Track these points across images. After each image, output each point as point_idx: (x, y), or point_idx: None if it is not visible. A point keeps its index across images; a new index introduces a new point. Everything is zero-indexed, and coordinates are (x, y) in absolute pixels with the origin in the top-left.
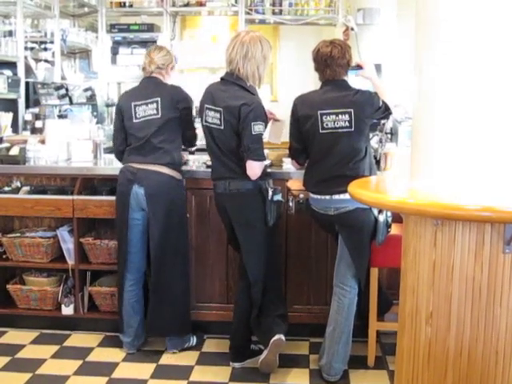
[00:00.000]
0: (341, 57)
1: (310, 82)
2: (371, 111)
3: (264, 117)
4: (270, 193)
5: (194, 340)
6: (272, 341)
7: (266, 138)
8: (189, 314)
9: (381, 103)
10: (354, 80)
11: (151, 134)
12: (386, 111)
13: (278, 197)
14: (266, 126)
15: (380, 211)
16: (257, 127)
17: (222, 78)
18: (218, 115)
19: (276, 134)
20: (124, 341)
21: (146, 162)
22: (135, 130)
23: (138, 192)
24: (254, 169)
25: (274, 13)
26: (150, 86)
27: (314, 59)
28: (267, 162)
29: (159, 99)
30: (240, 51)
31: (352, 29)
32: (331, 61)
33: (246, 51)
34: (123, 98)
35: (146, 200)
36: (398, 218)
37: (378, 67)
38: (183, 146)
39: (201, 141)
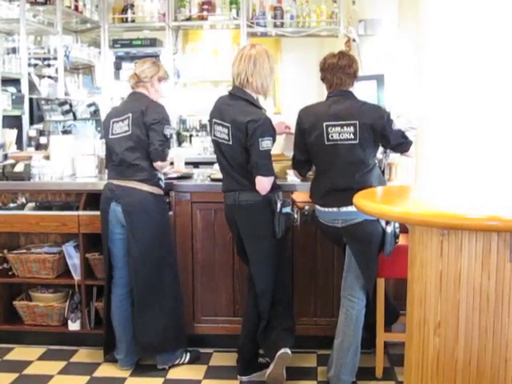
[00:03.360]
0: (348, 66)
1: (313, 93)
2: (381, 124)
3: (272, 131)
4: (279, 205)
5: (186, 357)
6: (278, 355)
7: (281, 150)
8: (181, 328)
9: (395, 126)
10: (359, 91)
11: (124, 151)
12: (403, 139)
13: (287, 209)
14: (274, 140)
15: (388, 222)
16: (264, 143)
17: (229, 93)
18: (226, 130)
19: (290, 147)
20: (118, 357)
21: (123, 178)
22: (112, 146)
23: (115, 209)
24: (263, 184)
25: (275, 25)
26: (131, 101)
27: (321, 69)
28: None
29: (130, 115)
30: (248, 63)
31: (354, 40)
32: (338, 69)
33: (253, 62)
34: (107, 115)
35: (123, 217)
36: (405, 229)
37: (380, 78)
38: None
39: (205, 154)
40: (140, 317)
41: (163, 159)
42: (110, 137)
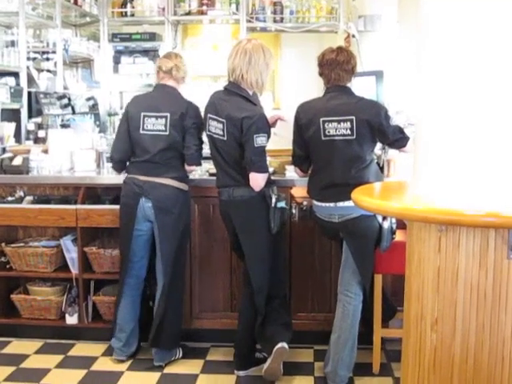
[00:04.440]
0: (346, 62)
1: (312, 89)
2: (378, 120)
3: (267, 128)
4: (274, 200)
5: (180, 352)
6: (275, 349)
7: (274, 132)
8: (181, 325)
9: (393, 121)
10: (358, 87)
11: (159, 151)
12: (401, 134)
13: (282, 204)
14: (269, 137)
15: (384, 218)
16: (259, 139)
17: (225, 88)
18: (220, 126)
19: (282, 129)
20: (114, 346)
21: (152, 175)
22: (142, 142)
23: (145, 205)
24: (257, 180)
25: (275, 21)
26: (163, 96)
27: (319, 64)
28: (270, 170)
29: (168, 115)
30: (243, 58)
31: (353, 36)
32: (336, 65)
33: (249, 58)
34: (132, 105)
35: (153, 213)
36: (402, 225)
37: (379, 73)
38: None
39: (203, 149)
40: (161, 312)
41: (199, 164)
42: (141, 132)
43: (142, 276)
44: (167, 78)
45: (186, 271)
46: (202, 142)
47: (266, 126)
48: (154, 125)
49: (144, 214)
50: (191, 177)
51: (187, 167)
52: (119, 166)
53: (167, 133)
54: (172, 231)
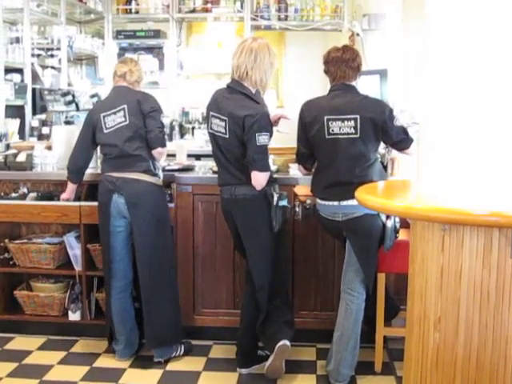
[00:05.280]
0: (352, 59)
1: (316, 87)
2: (382, 119)
3: (269, 127)
4: (276, 198)
5: (181, 349)
6: (277, 347)
7: (277, 129)
8: (179, 322)
9: (397, 121)
10: (363, 86)
11: (125, 141)
12: (404, 135)
13: (284, 202)
14: (271, 136)
15: (388, 217)
16: (261, 138)
17: (228, 86)
18: (223, 124)
19: (285, 125)
20: (116, 349)
21: (123, 170)
22: (108, 140)
23: (118, 201)
24: (258, 179)
25: (279, 19)
26: (118, 94)
27: (324, 61)
28: (273, 169)
29: (125, 106)
30: (249, 56)
31: (358, 34)
32: (342, 63)
33: (254, 56)
34: (92, 110)
35: (127, 209)
36: (405, 224)
37: (383, 72)
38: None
39: (207, 147)
40: (148, 309)
41: (163, 145)
42: (105, 131)
43: (128, 277)
44: (121, 81)
45: (188, 269)
46: (163, 126)
47: (268, 125)
48: (114, 120)
49: (118, 210)
50: (194, 174)
51: (154, 152)
52: (77, 176)
53: (127, 122)
54: (146, 226)
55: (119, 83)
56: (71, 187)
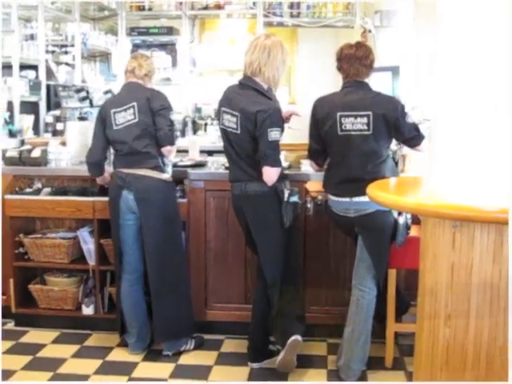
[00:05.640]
0: (365, 57)
1: (329, 84)
2: (394, 115)
3: (281, 122)
4: (287, 194)
5: (192, 343)
6: (289, 341)
7: (288, 126)
8: (189, 316)
9: (409, 118)
10: (375, 82)
11: (134, 139)
12: (416, 132)
13: (295, 198)
14: (283, 131)
15: (400, 213)
16: (273, 134)
17: (239, 82)
18: (234, 119)
19: (295, 122)
20: (129, 342)
21: (133, 167)
22: (118, 137)
23: (127, 197)
24: (270, 175)
25: (292, 15)
26: (128, 91)
27: (337, 58)
28: (285, 165)
29: (135, 104)
30: (262, 53)
31: (370, 31)
32: (355, 60)
33: (268, 53)
34: (104, 106)
35: (136, 204)
36: (417, 220)
37: (395, 69)
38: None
39: (219, 143)
40: (157, 303)
41: (172, 143)
42: (115, 128)
43: (140, 270)
44: (132, 76)
45: (200, 264)
46: (173, 124)
47: (280, 121)
48: (125, 117)
49: (128, 205)
50: (206, 170)
51: (163, 150)
52: (97, 169)
53: (137, 119)
54: (154, 221)
55: (130, 79)
56: (99, 178)
